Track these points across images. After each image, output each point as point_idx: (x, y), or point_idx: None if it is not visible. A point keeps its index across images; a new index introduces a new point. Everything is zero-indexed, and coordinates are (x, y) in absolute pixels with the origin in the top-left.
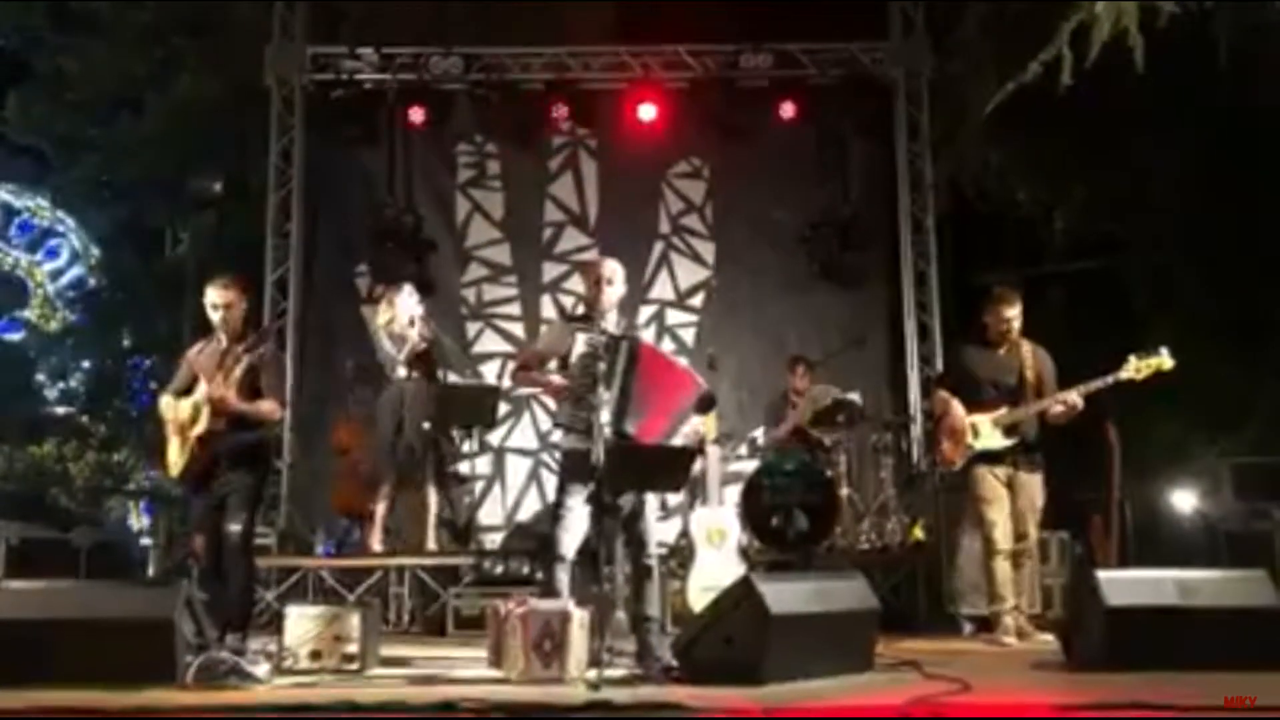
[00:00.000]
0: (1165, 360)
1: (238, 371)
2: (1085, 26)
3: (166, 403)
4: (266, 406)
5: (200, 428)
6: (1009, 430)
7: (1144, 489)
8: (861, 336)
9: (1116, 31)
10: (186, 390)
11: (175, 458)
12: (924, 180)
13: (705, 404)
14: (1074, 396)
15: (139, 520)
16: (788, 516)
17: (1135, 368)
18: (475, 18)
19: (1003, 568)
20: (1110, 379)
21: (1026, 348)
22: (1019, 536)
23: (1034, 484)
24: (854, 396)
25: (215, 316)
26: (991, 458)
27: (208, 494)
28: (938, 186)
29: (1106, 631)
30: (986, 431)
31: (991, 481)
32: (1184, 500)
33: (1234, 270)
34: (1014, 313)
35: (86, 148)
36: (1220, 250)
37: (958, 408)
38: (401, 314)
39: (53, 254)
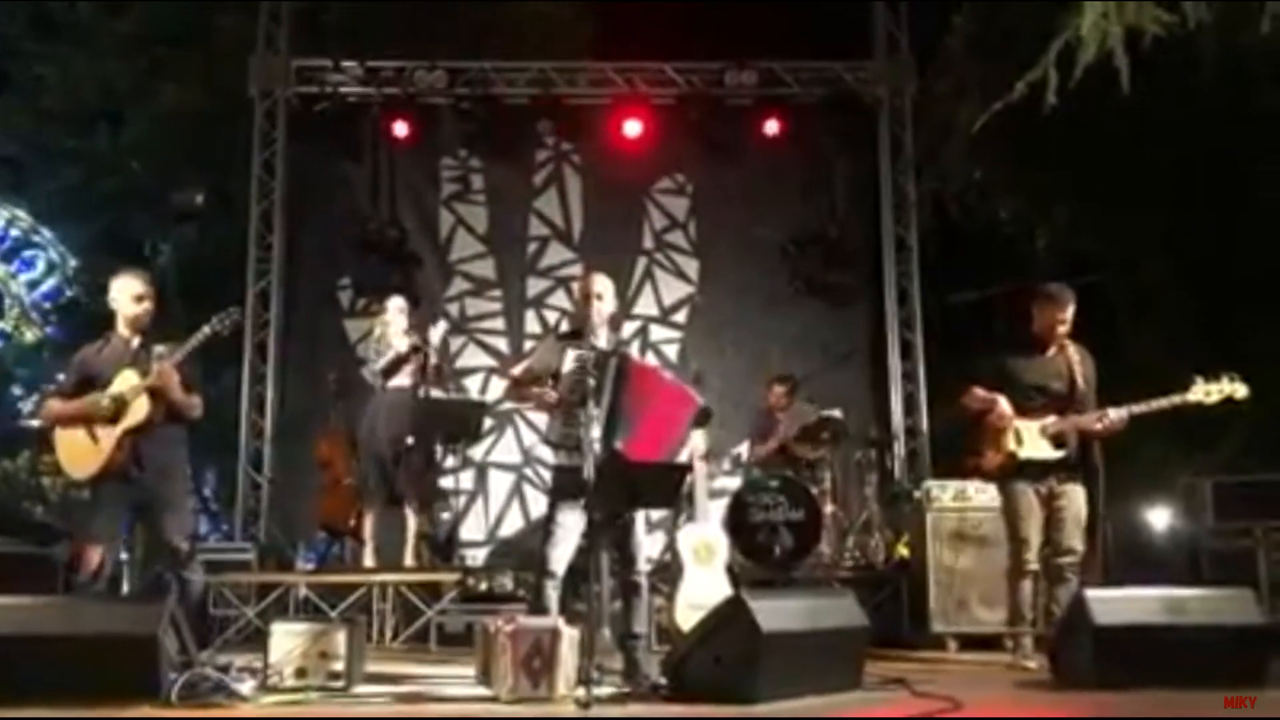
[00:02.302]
0: (1240, 388)
1: (177, 356)
2: (1071, 47)
3: (58, 407)
4: (196, 399)
5: (134, 419)
6: (1057, 440)
7: (1125, 507)
8: (845, 353)
9: (1102, 52)
10: (75, 393)
11: (89, 458)
12: (907, 198)
13: (701, 418)
14: (1125, 413)
15: None
16: (773, 533)
17: (1204, 391)
18: (460, 31)
19: (1030, 588)
20: (1177, 399)
21: (1074, 352)
22: (1066, 551)
23: (1078, 495)
24: (837, 413)
25: (136, 309)
26: (1033, 471)
27: (119, 501)
28: (921, 204)
29: (1095, 649)
30: (1031, 439)
31: (1030, 498)
32: (1165, 518)
33: (1213, 289)
34: (1068, 314)
35: (65, 158)
36: (1201, 269)
37: (1004, 405)
38: (391, 325)
39: (29, 265)
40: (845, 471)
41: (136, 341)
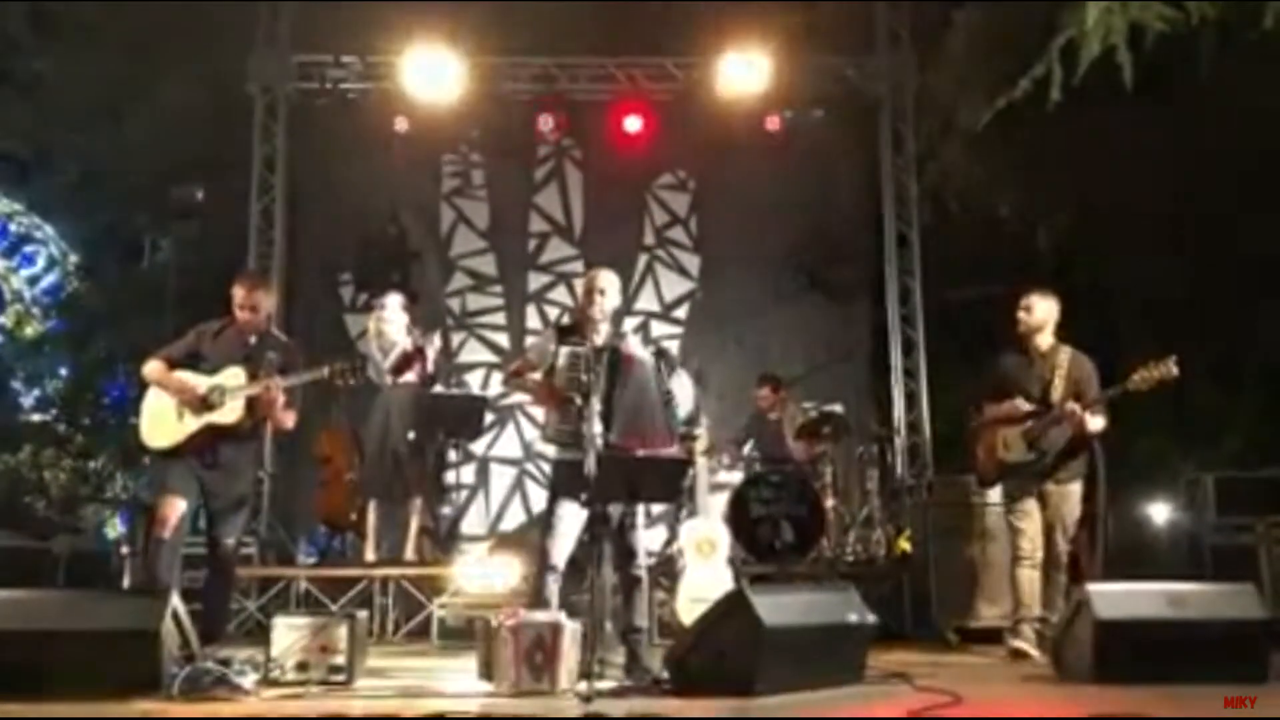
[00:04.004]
0: (1171, 369)
1: (285, 380)
2: (1073, 43)
3: (159, 371)
4: (292, 415)
5: (226, 418)
6: (1031, 443)
7: (1125, 503)
8: (847, 349)
9: (1105, 48)
10: (180, 362)
11: (167, 433)
12: (908, 194)
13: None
14: (1071, 406)
15: (115, 529)
16: (774, 528)
17: (1141, 378)
18: (463, 27)
19: (1028, 576)
20: (1118, 390)
21: (1064, 355)
22: (1053, 548)
23: (1062, 495)
24: (838, 408)
25: (239, 315)
26: (1017, 473)
27: (187, 470)
28: (923, 200)
29: (1097, 644)
30: (1015, 444)
31: (1023, 497)
32: (1166, 514)
33: (1215, 287)
34: (1023, 310)
35: (66, 154)
36: (1202, 267)
37: (1019, 401)
38: (391, 324)
39: (29, 260)
40: (847, 466)
41: (253, 339)
